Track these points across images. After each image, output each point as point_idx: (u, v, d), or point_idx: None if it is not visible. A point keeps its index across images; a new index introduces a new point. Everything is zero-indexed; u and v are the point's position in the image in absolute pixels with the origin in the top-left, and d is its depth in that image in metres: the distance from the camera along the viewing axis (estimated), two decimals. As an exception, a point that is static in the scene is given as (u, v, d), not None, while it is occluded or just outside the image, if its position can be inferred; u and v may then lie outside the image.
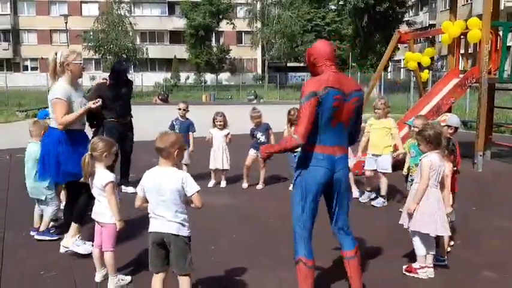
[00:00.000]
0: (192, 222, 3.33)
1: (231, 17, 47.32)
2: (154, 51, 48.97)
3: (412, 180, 5.44)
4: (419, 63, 10.74)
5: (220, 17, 46.86)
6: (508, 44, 9.31)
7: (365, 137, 6.63)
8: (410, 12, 51.98)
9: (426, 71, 11.67)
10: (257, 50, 51.50)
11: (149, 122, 14.89)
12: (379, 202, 6.46)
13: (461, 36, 9.46)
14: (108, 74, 6.97)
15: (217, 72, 49.42)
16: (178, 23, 49.25)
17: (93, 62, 48.06)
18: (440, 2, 49.03)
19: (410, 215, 4.02)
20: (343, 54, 46.67)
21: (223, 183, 7.44)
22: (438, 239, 4.27)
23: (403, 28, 35.30)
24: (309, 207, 3.30)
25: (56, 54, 4.48)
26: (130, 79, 7.32)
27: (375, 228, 5.48)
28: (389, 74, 42.81)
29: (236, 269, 4.25)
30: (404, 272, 4.14)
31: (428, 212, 3.93)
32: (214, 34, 49.43)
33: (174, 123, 7.44)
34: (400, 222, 4.16)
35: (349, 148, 3.63)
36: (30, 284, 4.00)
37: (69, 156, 4.31)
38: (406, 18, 41.49)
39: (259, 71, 55.02)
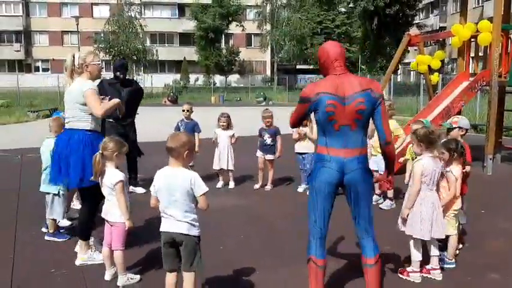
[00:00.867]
0: (200, 223, 3.36)
1: (240, 19, 47.47)
2: (164, 53, 49.18)
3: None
4: (429, 66, 10.70)
5: (230, 19, 47.05)
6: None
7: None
8: (421, 14, 51.79)
9: (436, 74, 11.60)
10: (266, 52, 51.54)
11: (159, 123, 15.01)
12: (387, 205, 6.46)
13: (472, 39, 9.43)
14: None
15: (226, 74, 49.55)
16: (188, 25, 49.47)
17: (104, 63, 48.31)
18: (450, 4, 48.81)
19: (404, 220, 4.03)
20: (353, 56, 46.57)
21: (231, 184, 7.47)
22: (446, 242, 4.27)
23: (413, 31, 35.18)
24: (319, 208, 3.35)
25: (73, 56, 4.45)
26: (134, 80, 7.34)
27: (382, 230, 5.46)
28: (399, 76, 42.68)
29: (244, 269, 4.28)
30: (398, 275, 4.14)
31: (421, 217, 3.93)
32: (223, 36, 49.60)
33: (179, 124, 7.49)
34: (397, 228, 4.16)
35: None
36: (41, 282, 4.05)
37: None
38: (416, 21, 41.36)
39: (269, 73, 55.05)
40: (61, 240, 5.00)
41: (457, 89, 9.21)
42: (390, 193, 6.45)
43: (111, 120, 6.46)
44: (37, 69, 52.02)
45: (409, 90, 28.15)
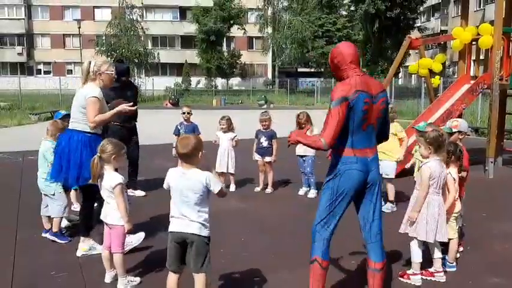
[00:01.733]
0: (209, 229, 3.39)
1: (242, 22, 47.48)
2: (165, 55, 49.26)
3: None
4: (430, 69, 10.70)
5: (231, 22, 47.04)
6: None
7: None
8: (422, 18, 51.80)
9: (437, 77, 11.61)
10: (268, 55, 51.58)
11: (160, 126, 15.00)
12: (388, 207, 6.44)
13: (473, 42, 9.43)
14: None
15: (228, 77, 49.58)
16: (190, 28, 49.51)
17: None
18: (452, 8, 48.82)
19: (412, 223, 4.01)
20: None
21: (232, 187, 7.47)
22: (447, 244, 4.26)
23: (415, 34, 35.19)
24: (338, 210, 3.31)
25: (90, 62, 4.60)
26: (134, 83, 7.37)
27: (384, 233, 5.45)
28: (400, 80, 42.68)
29: (245, 272, 4.28)
30: (399, 278, 4.11)
31: (427, 219, 3.91)
32: (225, 39, 49.60)
33: (179, 127, 7.51)
34: (400, 231, 4.12)
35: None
36: (42, 283, 4.05)
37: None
38: (417, 24, 41.36)
39: (270, 76, 55.08)
40: (62, 242, 5.00)
41: (458, 92, 9.21)
42: (391, 196, 6.44)
43: (117, 123, 6.49)
44: (39, 72, 52.12)
45: (410, 94, 28.17)
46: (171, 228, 3.34)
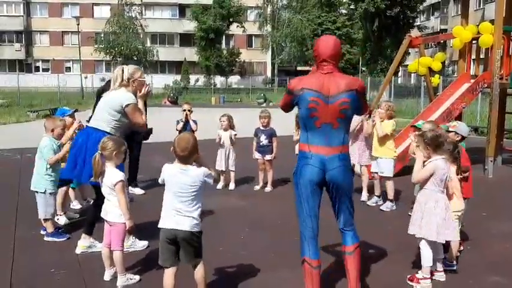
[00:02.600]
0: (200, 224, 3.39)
1: (241, 20, 47.45)
2: (164, 53, 49.22)
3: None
4: (430, 68, 10.69)
5: (231, 20, 47.02)
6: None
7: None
8: (422, 17, 51.76)
9: (437, 76, 11.60)
10: (267, 53, 51.54)
11: (160, 124, 14.93)
12: (387, 206, 6.43)
13: (473, 41, 9.42)
14: None
15: (227, 75, 49.54)
16: (189, 25, 49.46)
17: (104, 63, 48.50)
18: (452, 7, 48.81)
19: (415, 223, 3.98)
20: (354, 58, 46.57)
21: (231, 185, 7.45)
22: (448, 244, 4.25)
23: (414, 32, 35.15)
24: (306, 206, 3.35)
25: (122, 69, 4.65)
26: None
27: (383, 232, 5.45)
28: (399, 78, 42.67)
29: (244, 270, 4.27)
30: (408, 281, 4.07)
31: (435, 219, 3.88)
32: (224, 37, 49.58)
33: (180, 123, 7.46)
34: (409, 232, 4.07)
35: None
36: (41, 281, 4.03)
37: None
38: (417, 23, 41.34)
39: (269, 74, 55.06)
40: (60, 240, 4.98)
41: (458, 91, 9.20)
42: (391, 195, 6.43)
43: None
44: (37, 69, 52.03)
45: (410, 92, 28.16)
46: (162, 225, 3.37)
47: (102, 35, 41.71)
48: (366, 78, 31.69)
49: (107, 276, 4.02)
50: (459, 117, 9.43)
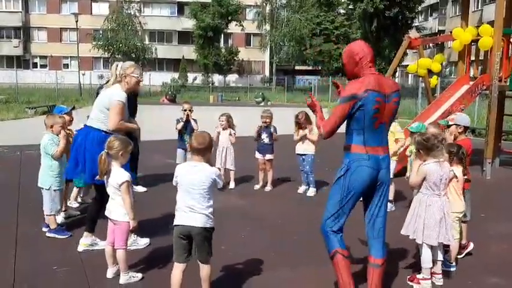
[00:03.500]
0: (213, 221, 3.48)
1: (240, 19, 47.41)
2: (162, 51, 49.20)
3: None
4: (428, 69, 10.74)
5: (229, 18, 46.97)
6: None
7: None
8: (420, 17, 51.86)
9: (435, 77, 11.64)
10: (265, 52, 51.54)
11: (159, 122, 15.00)
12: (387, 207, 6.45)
13: (472, 43, 9.46)
14: None
15: (225, 74, 49.52)
16: (187, 23, 49.38)
17: (102, 60, 48.44)
18: (450, 8, 48.92)
19: (409, 224, 4.03)
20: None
21: (231, 184, 7.47)
22: (447, 245, 4.28)
23: (413, 33, 35.18)
24: (348, 206, 3.39)
25: (116, 65, 4.66)
26: None
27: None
28: (396, 79, 42.78)
29: (246, 269, 4.31)
30: (408, 282, 4.11)
31: (432, 223, 3.92)
32: (222, 35, 49.54)
33: (180, 120, 7.47)
34: (402, 233, 4.11)
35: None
36: (43, 279, 4.05)
37: None
38: (415, 24, 41.39)
39: (267, 73, 55.07)
40: (62, 237, 5.00)
41: (457, 92, 9.25)
42: (390, 195, 6.47)
43: None
44: (35, 65, 51.89)
45: (407, 93, 28.20)
46: (176, 222, 3.43)
47: (101, 32, 41.58)
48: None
49: (109, 274, 4.05)
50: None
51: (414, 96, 23.90)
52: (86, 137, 4.50)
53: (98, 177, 3.98)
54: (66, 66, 51.36)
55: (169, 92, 34.22)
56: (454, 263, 4.38)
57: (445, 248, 4.23)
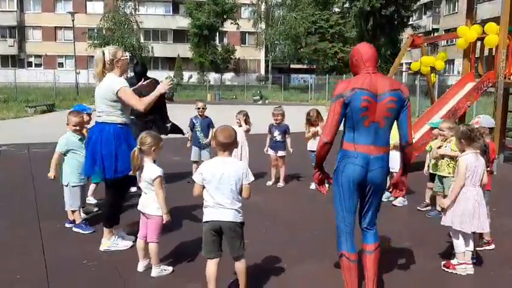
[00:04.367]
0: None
1: (235, 17, 47.42)
2: (157, 49, 49.09)
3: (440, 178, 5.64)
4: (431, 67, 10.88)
5: (225, 16, 46.96)
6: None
7: None
8: (414, 16, 52.13)
9: (433, 74, 11.75)
10: (261, 50, 51.59)
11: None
12: (399, 201, 6.57)
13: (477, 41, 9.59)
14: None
15: (221, 72, 49.52)
16: (183, 22, 49.34)
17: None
18: (444, 6, 49.24)
19: (442, 210, 4.16)
20: (346, 57, 46.73)
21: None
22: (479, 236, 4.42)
23: (408, 32, 35.36)
24: (347, 204, 3.45)
25: (103, 52, 4.50)
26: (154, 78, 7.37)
27: (396, 227, 5.59)
28: (393, 77, 42.87)
29: (270, 263, 4.40)
30: (442, 268, 4.25)
31: (468, 211, 4.05)
32: (218, 34, 49.51)
33: (194, 121, 7.54)
34: (442, 223, 4.25)
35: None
36: (76, 272, 4.12)
37: (127, 152, 4.21)
38: (410, 22, 41.58)
39: (263, 71, 55.13)
40: (86, 232, 5.07)
41: (463, 90, 9.38)
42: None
43: (132, 116, 6.48)
44: (30, 64, 51.64)
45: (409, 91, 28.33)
46: (207, 218, 3.45)
47: (96, 31, 41.46)
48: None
49: (140, 267, 4.12)
50: (463, 116, 9.65)
51: (412, 94, 24.03)
52: (101, 134, 4.43)
53: (131, 172, 4.04)
54: (61, 65, 51.13)
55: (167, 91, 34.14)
56: (474, 255, 4.48)
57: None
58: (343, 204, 3.46)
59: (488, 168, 4.52)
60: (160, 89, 4.64)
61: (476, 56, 10.34)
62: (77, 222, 5.12)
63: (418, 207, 6.35)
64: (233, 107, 19.93)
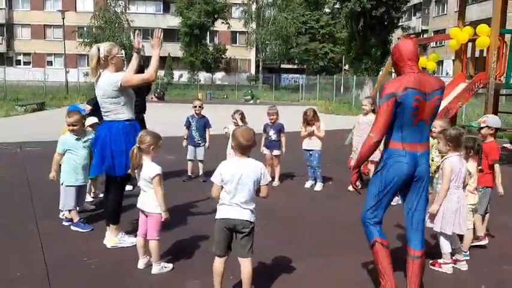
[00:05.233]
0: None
1: (226, 17, 47.41)
2: (148, 48, 48.59)
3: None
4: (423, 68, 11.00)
5: (216, 16, 46.94)
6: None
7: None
8: (404, 17, 52.48)
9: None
10: (251, 50, 51.61)
11: (153, 119, 14.93)
12: (394, 200, 6.62)
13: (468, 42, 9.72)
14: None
15: (212, 72, 49.46)
16: (173, 21, 49.20)
17: (87, 58, 47.86)
18: (433, 8, 49.63)
19: (433, 216, 4.21)
20: (336, 57, 47.01)
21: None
22: (462, 235, 4.47)
23: (399, 33, 35.61)
24: (385, 200, 3.53)
25: (98, 48, 4.52)
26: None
27: (390, 224, 5.65)
28: (386, 78, 43.12)
29: (272, 260, 4.42)
30: (430, 266, 4.30)
31: (449, 213, 4.12)
32: (208, 33, 49.46)
33: (190, 120, 7.57)
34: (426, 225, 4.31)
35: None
36: (77, 270, 4.13)
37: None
38: (400, 23, 41.83)
39: (253, 71, 55.17)
40: (84, 230, 5.08)
41: (454, 90, 9.50)
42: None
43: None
44: (18, 62, 51.18)
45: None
46: (221, 215, 3.45)
47: (85, 29, 41.20)
48: (352, 77, 32.12)
49: (140, 265, 4.14)
50: (454, 116, 9.77)
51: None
52: (109, 132, 4.46)
53: (129, 170, 4.07)
54: (50, 63, 50.73)
55: (158, 90, 34.07)
56: (468, 252, 4.56)
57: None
58: (381, 200, 3.52)
59: (480, 167, 4.60)
60: (155, 50, 4.82)
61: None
62: (74, 221, 5.13)
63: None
64: (225, 107, 20.04)
